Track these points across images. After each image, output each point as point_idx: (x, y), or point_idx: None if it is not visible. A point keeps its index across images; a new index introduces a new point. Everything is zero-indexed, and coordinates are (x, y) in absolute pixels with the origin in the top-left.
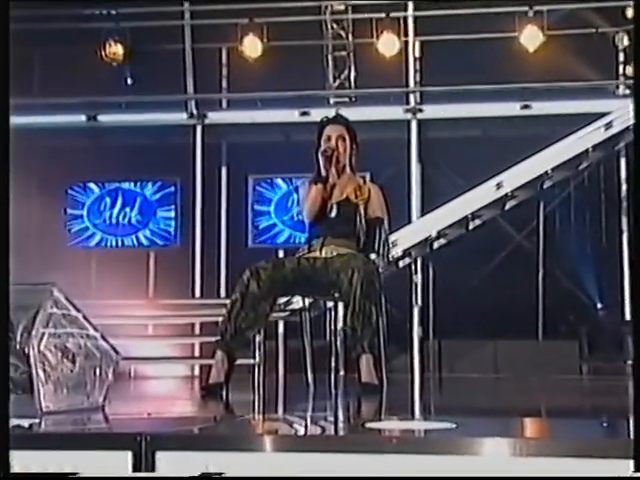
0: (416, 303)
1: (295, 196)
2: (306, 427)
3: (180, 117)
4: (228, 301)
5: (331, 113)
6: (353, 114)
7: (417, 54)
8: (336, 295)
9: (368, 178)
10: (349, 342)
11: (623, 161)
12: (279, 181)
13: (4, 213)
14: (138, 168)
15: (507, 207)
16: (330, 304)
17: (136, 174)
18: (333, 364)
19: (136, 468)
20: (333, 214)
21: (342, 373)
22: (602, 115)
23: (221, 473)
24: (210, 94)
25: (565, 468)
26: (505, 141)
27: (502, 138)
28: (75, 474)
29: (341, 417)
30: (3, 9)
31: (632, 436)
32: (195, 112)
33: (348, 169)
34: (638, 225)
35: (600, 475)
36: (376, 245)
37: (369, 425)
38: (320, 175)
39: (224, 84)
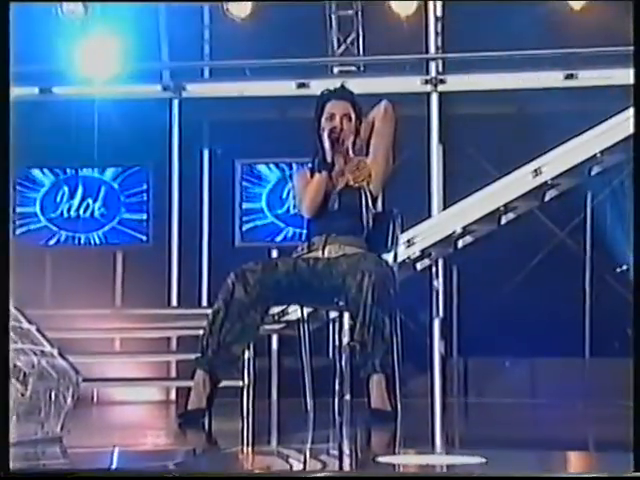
0: (437, 314)
1: (290, 185)
2: (304, 462)
3: (153, 89)
4: (210, 311)
5: (334, 85)
6: (361, 86)
7: (438, 13)
8: (341, 303)
9: None
10: (357, 360)
11: None
12: (272, 167)
13: (4, 212)
14: (103, 151)
15: (547, 198)
16: (333, 314)
17: (100, 158)
18: (337, 386)
19: None
20: (335, 206)
21: (348, 397)
22: None
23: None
24: (189, 61)
25: None
26: (545, 118)
27: (541, 115)
28: (75, 474)
29: (347, 450)
30: (3, 9)
31: (632, 436)
32: (171, 83)
33: (351, 152)
34: (638, 226)
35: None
36: (388, 240)
37: (381, 460)
38: (325, 161)
39: (206, 49)
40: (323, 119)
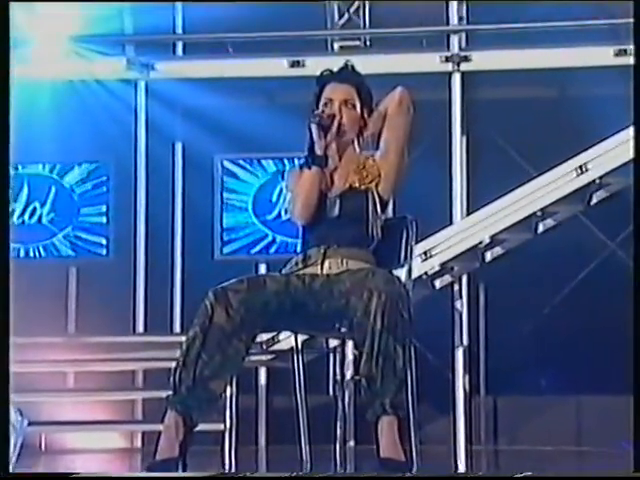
0: (460, 342)
1: (283, 185)
2: None
3: (113, 68)
4: (184, 339)
5: (336, 63)
6: (366, 65)
7: None
8: (344, 329)
9: None
10: (364, 398)
11: None
12: (260, 163)
13: (4, 213)
14: (52, 143)
15: (594, 201)
16: (334, 342)
17: (51, 153)
18: (339, 430)
19: None
20: (335, 212)
21: (352, 444)
22: None
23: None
24: (159, 35)
25: None
26: (591, 104)
27: (586, 99)
28: (75, 474)
29: None
30: (3, 9)
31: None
32: (136, 61)
33: (357, 148)
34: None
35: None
36: (401, 252)
37: None
38: (313, 154)
39: (179, 21)
40: (321, 106)
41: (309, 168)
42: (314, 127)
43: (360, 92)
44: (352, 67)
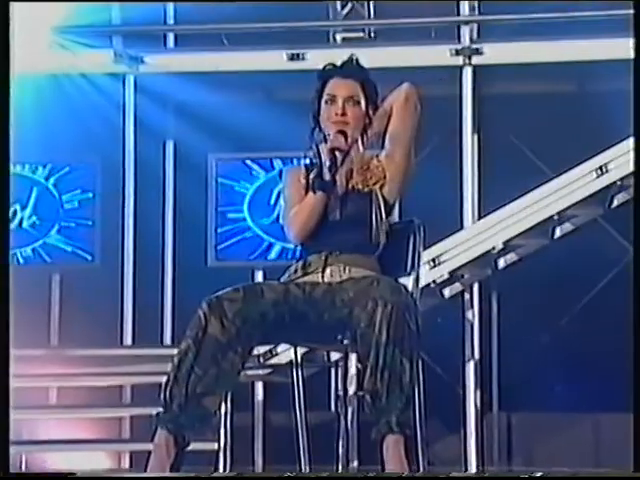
0: (472, 355)
1: (281, 186)
2: None
3: (100, 61)
4: (175, 351)
5: (338, 56)
6: (371, 58)
7: None
8: (346, 342)
9: None
10: (368, 415)
11: None
12: (257, 163)
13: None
14: (35, 142)
15: (615, 204)
16: (336, 355)
17: (32, 153)
18: (341, 450)
19: None
20: (337, 215)
21: (355, 464)
22: None
23: None
24: (149, 26)
25: None
26: (612, 99)
27: (607, 94)
28: (74, 474)
29: None
30: (3, 9)
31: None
32: (124, 54)
33: (361, 147)
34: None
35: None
36: (408, 259)
37: None
38: (321, 178)
39: (170, 11)
40: (323, 103)
41: (314, 192)
42: (327, 151)
43: (365, 88)
44: (357, 61)
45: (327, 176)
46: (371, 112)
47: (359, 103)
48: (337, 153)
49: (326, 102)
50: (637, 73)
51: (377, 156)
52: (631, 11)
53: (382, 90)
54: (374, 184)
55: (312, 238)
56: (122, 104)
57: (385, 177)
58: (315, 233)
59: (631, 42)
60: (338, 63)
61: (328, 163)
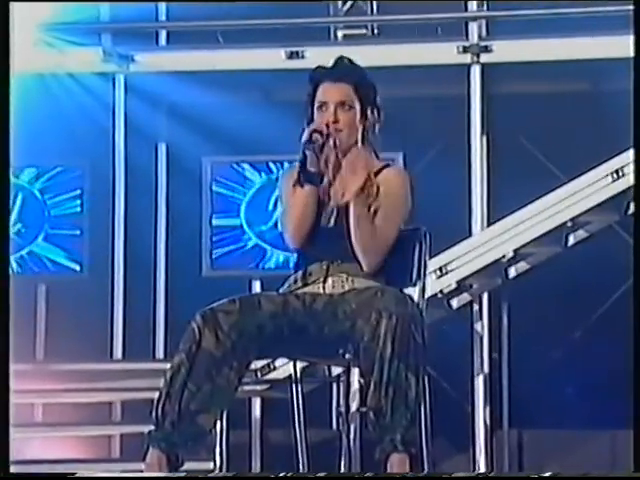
0: (481, 369)
1: (278, 192)
2: None
3: (88, 60)
4: (168, 366)
5: (337, 55)
6: (374, 56)
7: None
8: (348, 356)
9: (400, 162)
10: (372, 434)
11: None
12: (254, 167)
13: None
14: (20, 146)
15: (631, 209)
16: (338, 370)
17: (17, 156)
18: (343, 469)
19: None
20: (331, 222)
21: None
22: None
23: None
24: (140, 22)
25: None
26: (628, 99)
27: (623, 94)
28: (75, 474)
29: None
30: (3, 9)
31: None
32: (114, 52)
33: (360, 145)
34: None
35: None
36: (413, 268)
37: None
38: (306, 170)
39: (162, 7)
40: (315, 109)
41: (301, 186)
42: (307, 149)
43: (359, 90)
44: (348, 61)
45: (312, 168)
46: (369, 112)
47: (352, 107)
48: (317, 136)
49: (318, 108)
50: (637, 71)
51: (371, 171)
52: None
53: (386, 87)
54: (368, 203)
55: (309, 244)
56: (112, 105)
57: (378, 193)
58: (312, 238)
59: (631, 40)
60: (329, 64)
61: (310, 155)
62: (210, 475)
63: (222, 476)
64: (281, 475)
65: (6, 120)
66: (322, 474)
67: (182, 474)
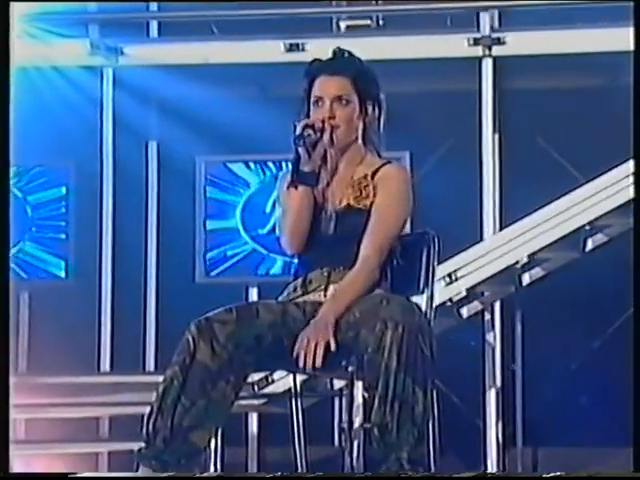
0: (493, 383)
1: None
2: None
3: (75, 52)
4: (160, 379)
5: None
6: (379, 49)
7: None
8: (351, 368)
9: (407, 162)
10: (376, 451)
11: None
12: (250, 167)
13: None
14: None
15: (631, 208)
16: (340, 383)
17: None
18: None
19: None
20: (338, 227)
21: None
22: None
23: None
24: (129, 13)
25: None
26: None
27: None
28: (74, 474)
29: None
30: (3, 9)
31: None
32: (102, 44)
33: (360, 143)
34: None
35: None
36: (420, 275)
37: None
38: (299, 171)
39: None
40: (311, 105)
41: (295, 187)
42: (299, 146)
43: (357, 83)
44: (347, 53)
45: (306, 167)
46: (369, 106)
47: (349, 102)
48: (310, 131)
49: (314, 104)
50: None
51: (369, 173)
52: None
53: (391, 84)
54: (367, 200)
55: (309, 249)
56: (99, 100)
57: (376, 195)
58: (311, 243)
59: (631, 33)
60: (326, 56)
61: (302, 153)
62: (208, 475)
63: (221, 476)
64: (281, 475)
65: (6, 120)
66: (322, 474)
67: (182, 474)
